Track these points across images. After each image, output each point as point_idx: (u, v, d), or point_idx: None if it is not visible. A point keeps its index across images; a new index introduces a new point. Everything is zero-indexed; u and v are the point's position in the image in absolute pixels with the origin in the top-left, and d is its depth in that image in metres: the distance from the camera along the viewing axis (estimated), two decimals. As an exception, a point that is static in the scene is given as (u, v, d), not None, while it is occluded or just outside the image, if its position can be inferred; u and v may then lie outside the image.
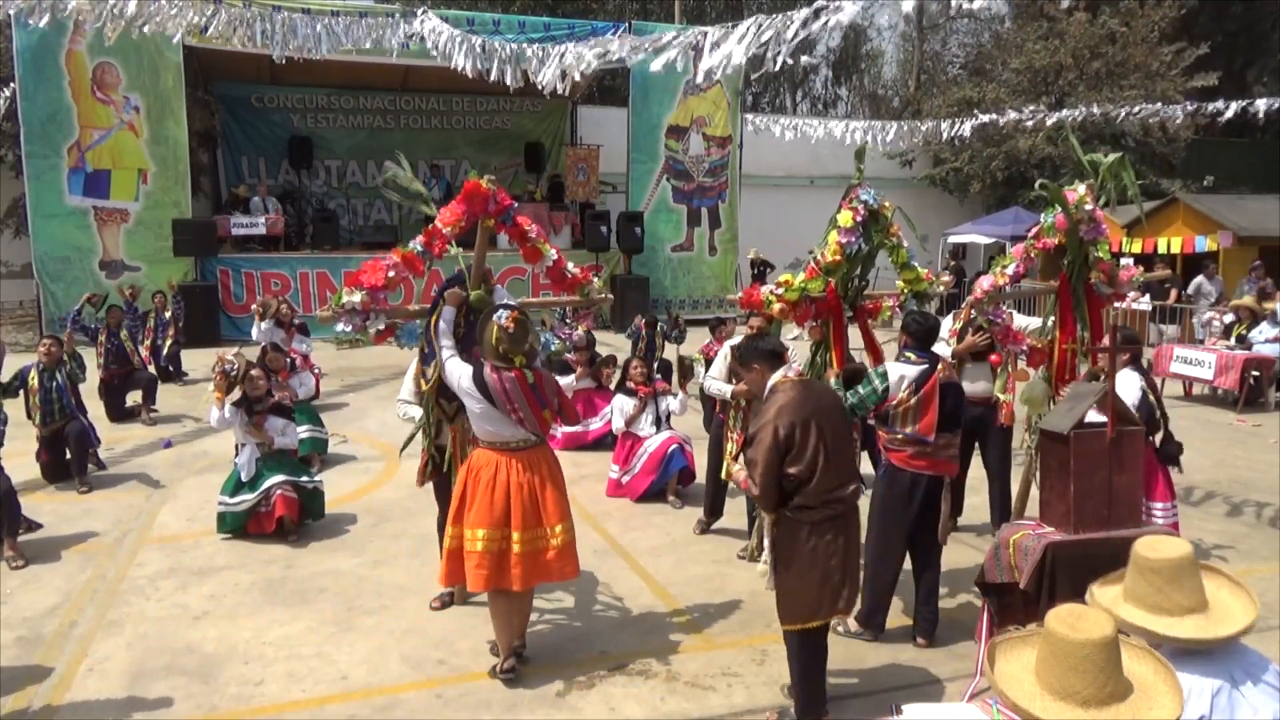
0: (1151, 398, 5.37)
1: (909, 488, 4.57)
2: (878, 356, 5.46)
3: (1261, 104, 13.75)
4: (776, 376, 3.82)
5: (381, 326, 4.56)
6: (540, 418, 4.19)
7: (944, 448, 4.59)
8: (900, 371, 4.56)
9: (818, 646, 3.84)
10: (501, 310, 4.19)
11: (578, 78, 11.25)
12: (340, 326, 4.40)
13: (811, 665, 3.84)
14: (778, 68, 7.65)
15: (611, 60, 11.08)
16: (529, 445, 4.22)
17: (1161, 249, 15.15)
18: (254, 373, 6.39)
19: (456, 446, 4.74)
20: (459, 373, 4.20)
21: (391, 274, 4.45)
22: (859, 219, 5.10)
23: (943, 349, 6.09)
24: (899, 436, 4.55)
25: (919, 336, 4.67)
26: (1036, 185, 6.29)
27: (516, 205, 4.82)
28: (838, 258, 5.14)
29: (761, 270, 18.03)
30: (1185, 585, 2.26)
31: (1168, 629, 2.22)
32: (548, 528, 4.16)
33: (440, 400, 4.72)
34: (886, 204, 5.21)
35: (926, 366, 4.56)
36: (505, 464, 4.16)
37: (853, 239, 5.13)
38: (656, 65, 9.26)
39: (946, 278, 6.37)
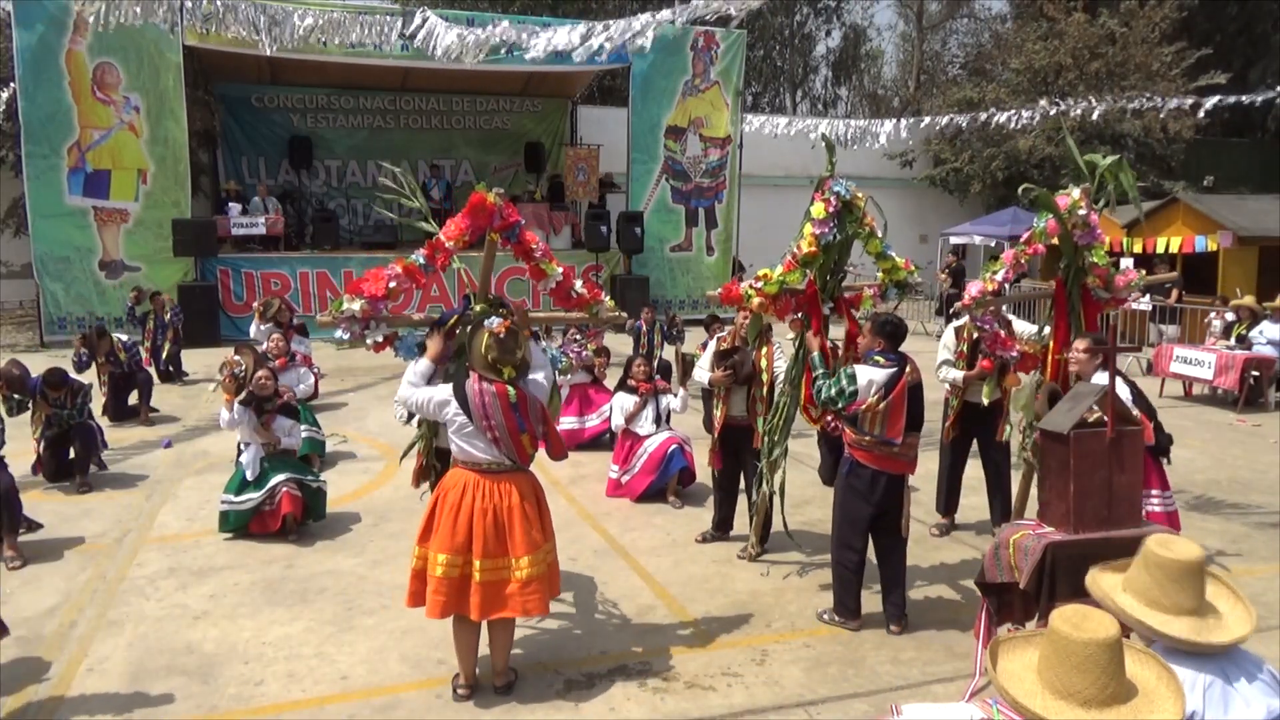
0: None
1: (870, 482, 4.69)
2: (855, 351, 5.43)
3: (1258, 97, 13.67)
4: None
5: (380, 337, 4.52)
6: (517, 442, 3.98)
7: (909, 448, 4.71)
8: (869, 376, 4.59)
9: None
10: (494, 317, 4.11)
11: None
12: (339, 334, 4.37)
13: None
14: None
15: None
16: (502, 469, 4.01)
17: (1161, 249, 15.14)
18: (260, 373, 6.40)
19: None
20: (423, 396, 4.04)
21: (393, 284, 4.44)
22: (832, 210, 5.15)
23: (949, 372, 6.17)
24: (866, 438, 4.65)
25: (892, 338, 4.70)
26: (1020, 190, 6.28)
27: (523, 221, 4.77)
28: (814, 249, 5.17)
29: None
30: (1188, 587, 2.25)
31: (1161, 625, 2.22)
32: (513, 559, 3.95)
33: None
34: (859, 195, 5.25)
35: (895, 370, 4.60)
36: (473, 486, 3.97)
37: (827, 229, 5.17)
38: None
39: (946, 278, 6.37)
